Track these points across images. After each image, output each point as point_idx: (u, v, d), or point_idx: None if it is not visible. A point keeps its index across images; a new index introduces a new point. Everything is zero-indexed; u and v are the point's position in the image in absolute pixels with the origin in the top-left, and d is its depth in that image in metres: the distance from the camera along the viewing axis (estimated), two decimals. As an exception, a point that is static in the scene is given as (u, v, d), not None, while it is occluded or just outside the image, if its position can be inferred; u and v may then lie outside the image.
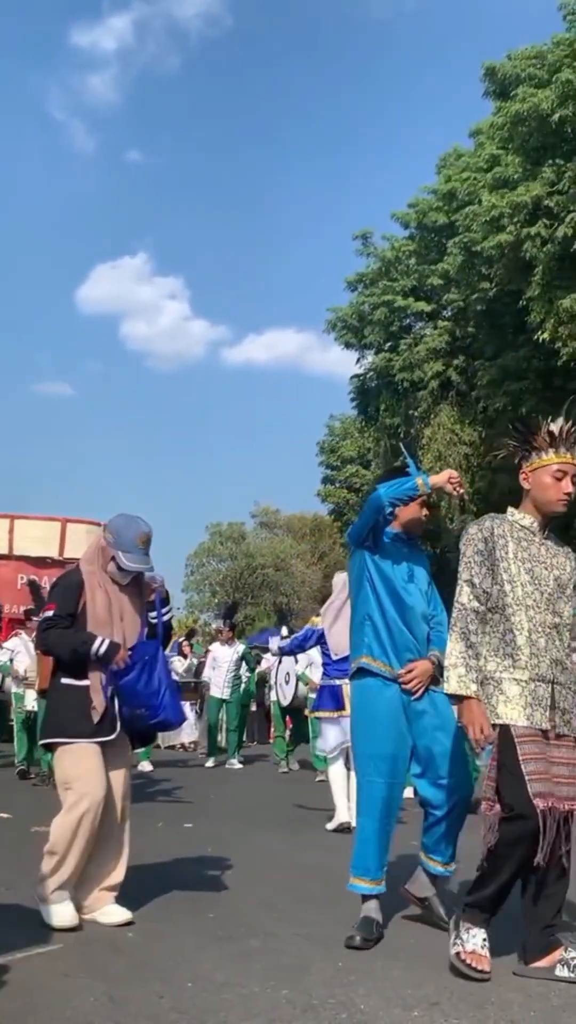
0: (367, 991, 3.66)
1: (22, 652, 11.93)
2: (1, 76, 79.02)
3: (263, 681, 17.27)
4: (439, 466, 22.81)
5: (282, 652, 10.11)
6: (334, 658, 8.09)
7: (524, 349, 20.59)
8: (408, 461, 4.78)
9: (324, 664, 8.43)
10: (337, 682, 8.00)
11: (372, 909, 4.45)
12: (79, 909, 4.55)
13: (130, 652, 4.65)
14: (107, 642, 4.56)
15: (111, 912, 4.58)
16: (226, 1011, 3.43)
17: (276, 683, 13.62)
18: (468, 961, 3.75)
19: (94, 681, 4.60)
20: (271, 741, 15.54)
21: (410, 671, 4.48)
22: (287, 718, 13.55)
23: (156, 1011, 3.42)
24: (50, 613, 4.67)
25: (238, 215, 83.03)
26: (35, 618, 11.16)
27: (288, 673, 12.83)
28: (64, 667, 4.66)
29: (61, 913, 4.45)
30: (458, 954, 3.78)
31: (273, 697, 14.15)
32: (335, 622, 8.07)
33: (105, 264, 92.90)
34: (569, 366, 19.02)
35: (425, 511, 4.75)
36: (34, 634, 10.59)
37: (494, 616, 3.97)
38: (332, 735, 8.10)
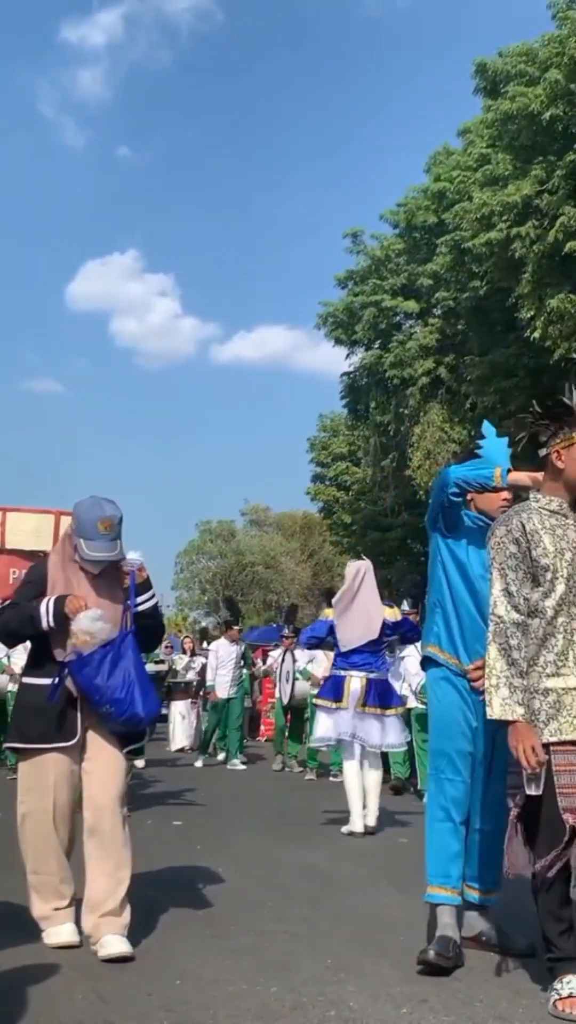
0: (356, 988, 3.65)
1: (19, 649, 11.20)
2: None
3: (254, 678, 17.17)
4: (428, 464, 22.85)
5: (305, 647, 9.71)
6: (343, 650, 7.87)
7: (514, 347, 20.58)
8: (481, 444, 4.40)
9: (336, 655, 8.13)
10: (342, 673, 7.79)
11: (449, 926, 3.98)
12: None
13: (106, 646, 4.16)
14: (52, 600, 4.16)
15: (107, 944, 3.98)
16: (215, 1009, 3.43)
17: (279, 681, 13.43)
18: (565, 1009, 3.33)
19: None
20: (261, 739, 15.52)
21: (478, 667, 3.97)
22: (287, 716, 13.28)
23: (145, 1009, 3.41)
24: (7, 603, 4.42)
25: (229, 212, 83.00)
26: None
27: (288, 672, 12.78)
28: (29, 665, 4.41)
29: (51, 934, 4.20)
30: (555, 1003, 3.37)
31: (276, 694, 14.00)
32: (345, 613, 7.86)
33: (95, 261, 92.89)
34: (560, 365, 19.03)
35: (506, 495, 4.32)
36: None
37: (533, 621, 3.59)
38: (323, 724, 7.90)
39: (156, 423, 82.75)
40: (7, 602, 4.38)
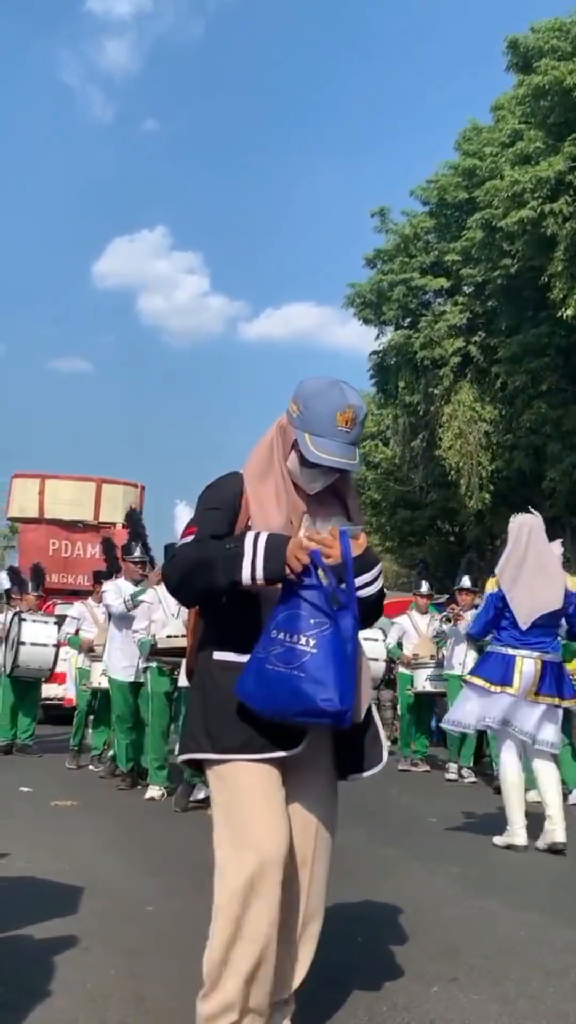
0: (387, 967, 3.66)
1: (88, 620, 10.73)
2: (12, 41, 78.60)
3: None
4: (459, 444, 22.73)
5: (480, 638, 7.35)
6: (523, 627, 6.32)
7: (545, 325, 20.41)
8: None
9: (501, 629, 6.48)
10: (510, 652, 6.31)
11: None
12: None
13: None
14: (263, 536, 2.61)
15: None
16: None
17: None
18: None
19: None
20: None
21: None
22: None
23: (175, 984, 3.43)
24: (187, 539, 2.77)
25: (258, 188, 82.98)
26: (106, 582, 10.27)
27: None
28: (216, 635, 2.78)
29: None
30: None
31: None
32: (516, 580, 6.38)
33: (123, 238, 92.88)
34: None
35: None
36: (102, 602, 10.05)
37: None
38: (472, 707, 6.47)
39: (183, 402, 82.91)
40: (185, 539, 2.79)
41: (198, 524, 2.78)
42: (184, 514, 7.81)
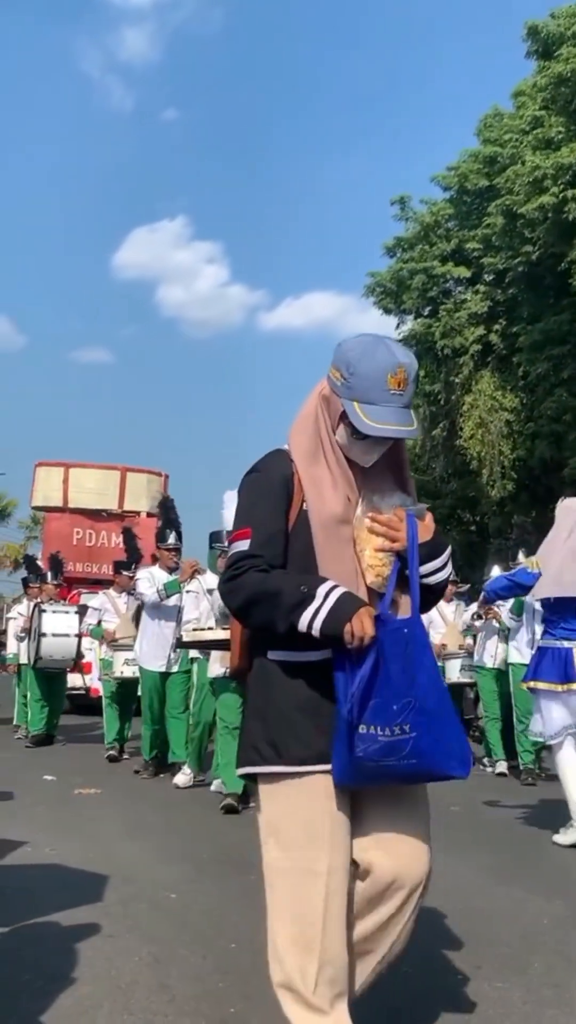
0: (410, 954, 3.65)
1: (110, 611, 10.46)
2: (32, 31, 78.60)
3: None
4: (480, 433, 22.65)
5: (487, 600, 7.61)
6: (537, 601, 6.18)
7: (567, 312, 20.30)
8: None
9: (546, 621, 6.35)
10: (565, 644, 6.01)
11: None
12: None
13: (379, 618, 2.35)
14: (338, 592, 2.34)
15: None
16: (268, 972, 3.45)
17: None
18: None
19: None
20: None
21: None
22: None
23: (199, 971, 3.45)
24: (243, 546, 2.45)
25: (278, 177, 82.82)
26: (126, 572, 10.37)
27: None
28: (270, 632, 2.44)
29: None
30: None
31: None
32: (551, 555, 6.10)
33: (143, 228, 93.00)
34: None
35: None
36: (124, 593, 10.20)
37: None
38: (556, 714, 6.06)
39: (204, 392, 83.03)
40: (243, 546, 2.46)
41: (252, 526, 2.47)
42: (232, 504, 7.75)
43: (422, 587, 2.45)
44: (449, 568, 2.57)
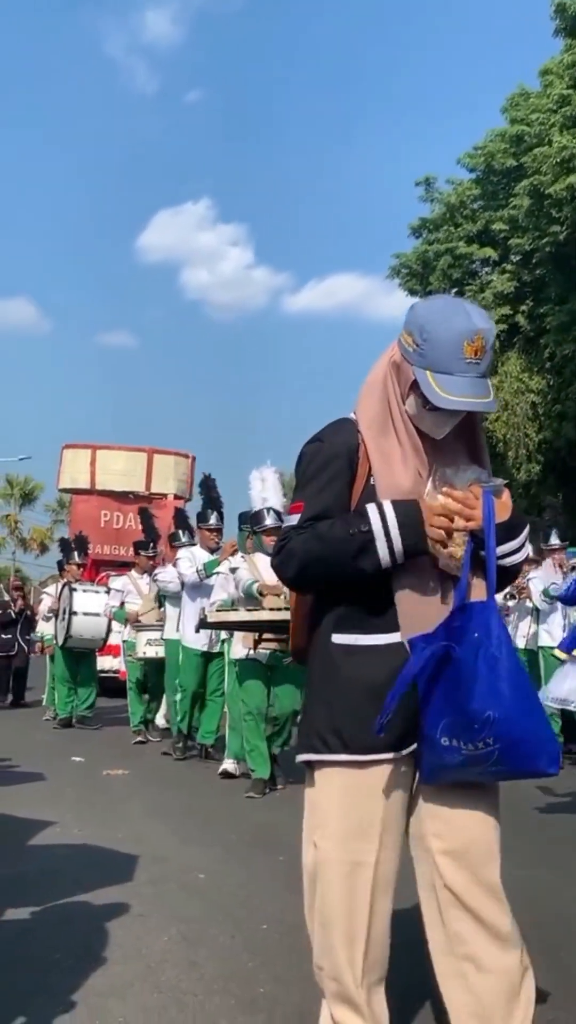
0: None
1: (133, 592, 10.44)
2: (55, 12, 78.44)
3: None
4: (506, 415, 22.53)
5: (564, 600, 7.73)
6: None
7: (595, 294, 20.19)
8: None
9: None
10: None
11: None
12: None
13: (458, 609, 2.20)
14: (389, 508, 2.21)
15: None
16: (299, 953, 3.45)
17: None
18: None
19: (417, 631, 2.20)
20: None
21: None
22: None
23: (229, 951, 3.46)
24: (294, 520, 2.33)
25: (302, 158, 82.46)
26: (144, 553, 10.38)
27: None
28: (333, 613, 2.31)
29: None
30: None
31: None
32: None
33: (167, 211, 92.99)
34: None
35: None
36: (146, 574, 10.15)
37: None
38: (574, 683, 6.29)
39: (229, 375, 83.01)
40: (294, 520, 2.33)
41: (305, 499, 2.32)
42: (259, 482, 7.66)
43: (497, 569, 2.25)
44: (527, 549, 2.41)
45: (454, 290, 25.00)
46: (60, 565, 12.47)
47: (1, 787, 6.75)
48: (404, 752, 2.22)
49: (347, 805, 2.25)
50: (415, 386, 2.24)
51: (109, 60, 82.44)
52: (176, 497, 16.70)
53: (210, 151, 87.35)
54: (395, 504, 2.20)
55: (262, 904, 4.04)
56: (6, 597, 15.25)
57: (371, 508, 2.20)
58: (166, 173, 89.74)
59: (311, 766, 2.32)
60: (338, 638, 2.29)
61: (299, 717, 2.96)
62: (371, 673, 2.22)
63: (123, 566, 13.80)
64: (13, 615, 14.61)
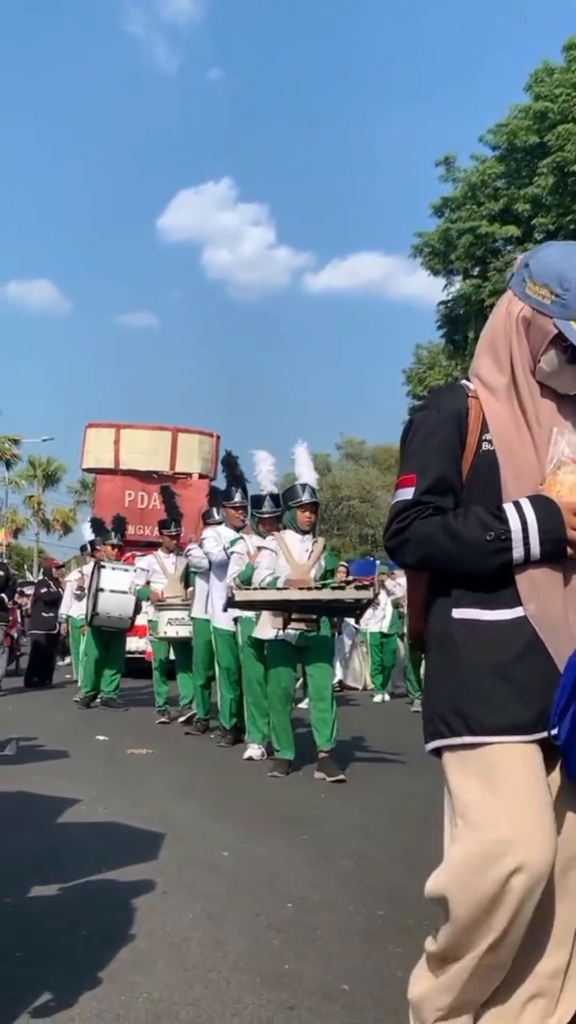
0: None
1: (158, 572, 10.30)
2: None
3: None
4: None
5: None
6: None
7: (619, 272, 20.00)
8: None
9: None
10: None
11: None
12: None
13: None
14: (529, 510, 2.10)
15: None
16: (323, 930, 3.47)
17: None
18: None
19: (544, 604, 2.11)
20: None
21: None
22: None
23: (254, 929, 3.47)
24: (407, 494, 2.19)
25: (324, 137, 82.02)
26: (166, 532, 10.33)
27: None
28: (454, 587, 2.19)
29: None
30: None
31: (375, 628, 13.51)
32: None
33: (188, 190, 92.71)
34: None
35: None
36: (172, 554, 10.09)
37: None
38: None
39: (250, 355, 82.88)
40: (407, 494, 2.19)
41: (417, 471, 2.18)
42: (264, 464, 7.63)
43: None
44: None
45: (476, 268, 24.88)
46: (86, 546, 12.43)
47: (27, 765, 6.80)
48: (533, 737, 2.07)
49: (484, 792, 2.07)
50: (556, 341, 2.12)
51: (129, 37, 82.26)
52: (201, 477, 16.61)
53: (231, 130, 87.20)
54: (535, 506, 2.09)
55: (286, 882, 4.05)
56: (43, 576, 15.27)
57: (511, 512, 2.10)
58: (187, 153, 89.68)
59: (439, 753, 2.20)
60: (459, 613, 2.17)
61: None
62: (494, 650, 2.11)
63: (148, 546, 13.77)
64: (61, 592, 14.51)
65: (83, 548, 14.15)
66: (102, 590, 10.70)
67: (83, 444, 17.67)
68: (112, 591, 10.67)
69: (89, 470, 18.88)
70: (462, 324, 25.95)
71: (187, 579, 9.70)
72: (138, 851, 4.44)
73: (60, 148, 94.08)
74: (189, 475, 16.56)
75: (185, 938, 3.35)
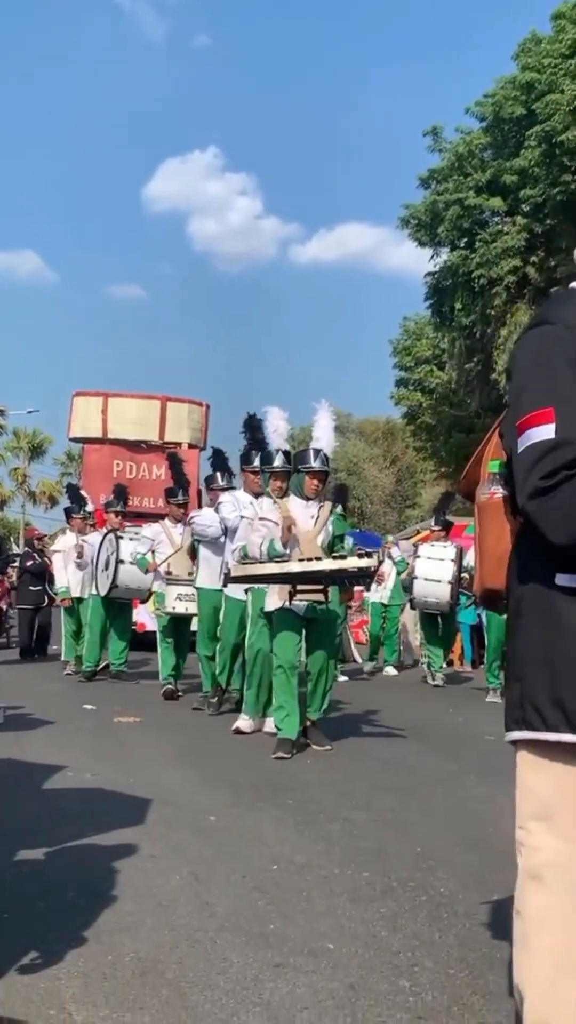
0: (446, 876, 3.71)
1: (164, 542, 9.80)
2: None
3: None
4: (515, 366, 22.37)
5: None
6: None
7: (606, 244, 19.97)
8: None
9: None
10: None
11: None
12: None
13: None
14: None
15: None
16: (308, 891, 3.52)
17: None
18: None
19: None
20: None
21: None
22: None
23: (240, 891, 3.51)
24: (546, 432, 1.79)
25: (312, 106, 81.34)
26: (173, 500, 9.91)
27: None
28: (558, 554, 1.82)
29: None
30: None
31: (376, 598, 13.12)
32: None
33: (174, 159, 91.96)
34: None
35: None
36: (180, 523, 9.62)
37: None
38: None
39: (238, 325, 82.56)
40: (549, 431, 1.78)
41: (555, 402, 1.78)
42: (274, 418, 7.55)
43: None
44: None
45: (463, 241, 24.79)
46: (68, 513, 12.22)
47: (14, 732, 6.83)
48: None
49: (563, 796, 1.81)
50: None
51: (114, 5, 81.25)
52: (190, 446, 16.45)
53: (218, 98, 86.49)
54: None
55: (271, 845, 4.10)
56: (26, 549, 15.04)
57: None
58: (173, 121, 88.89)
59: (517, 743, 1.91)
60: (564, 579, 1.81)
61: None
62: None
63: (138, 517, 13.63)
64: (48, 563, 14.13)
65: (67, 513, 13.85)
66: (122, 561, 10.37)
67: (70, 413, 17.39)
68: (132, 563, 10.22)
69: (76, 439, 18.63)
70: (449, 295, 25.83)
71: (195, 549, 9.20)
72: (125, 815, 4.48)
73: (44, 116, 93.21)
74: (178, 444, 16.40)
75: (172, 900, 3.39)
